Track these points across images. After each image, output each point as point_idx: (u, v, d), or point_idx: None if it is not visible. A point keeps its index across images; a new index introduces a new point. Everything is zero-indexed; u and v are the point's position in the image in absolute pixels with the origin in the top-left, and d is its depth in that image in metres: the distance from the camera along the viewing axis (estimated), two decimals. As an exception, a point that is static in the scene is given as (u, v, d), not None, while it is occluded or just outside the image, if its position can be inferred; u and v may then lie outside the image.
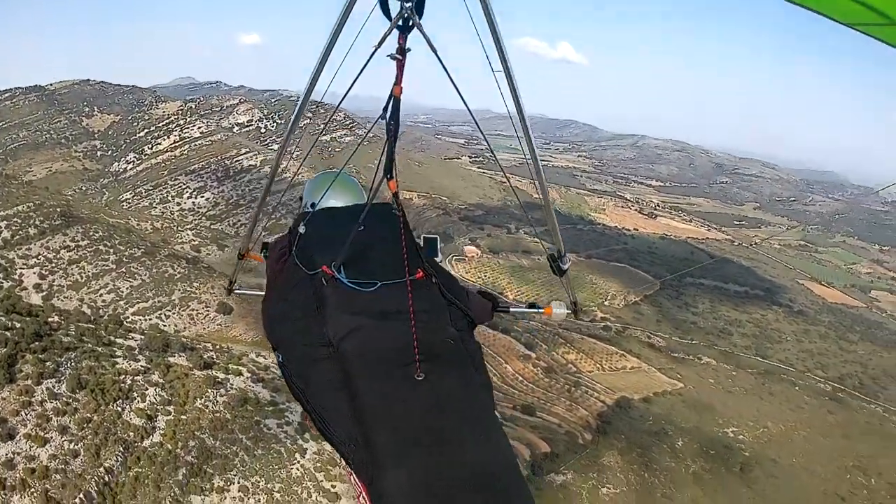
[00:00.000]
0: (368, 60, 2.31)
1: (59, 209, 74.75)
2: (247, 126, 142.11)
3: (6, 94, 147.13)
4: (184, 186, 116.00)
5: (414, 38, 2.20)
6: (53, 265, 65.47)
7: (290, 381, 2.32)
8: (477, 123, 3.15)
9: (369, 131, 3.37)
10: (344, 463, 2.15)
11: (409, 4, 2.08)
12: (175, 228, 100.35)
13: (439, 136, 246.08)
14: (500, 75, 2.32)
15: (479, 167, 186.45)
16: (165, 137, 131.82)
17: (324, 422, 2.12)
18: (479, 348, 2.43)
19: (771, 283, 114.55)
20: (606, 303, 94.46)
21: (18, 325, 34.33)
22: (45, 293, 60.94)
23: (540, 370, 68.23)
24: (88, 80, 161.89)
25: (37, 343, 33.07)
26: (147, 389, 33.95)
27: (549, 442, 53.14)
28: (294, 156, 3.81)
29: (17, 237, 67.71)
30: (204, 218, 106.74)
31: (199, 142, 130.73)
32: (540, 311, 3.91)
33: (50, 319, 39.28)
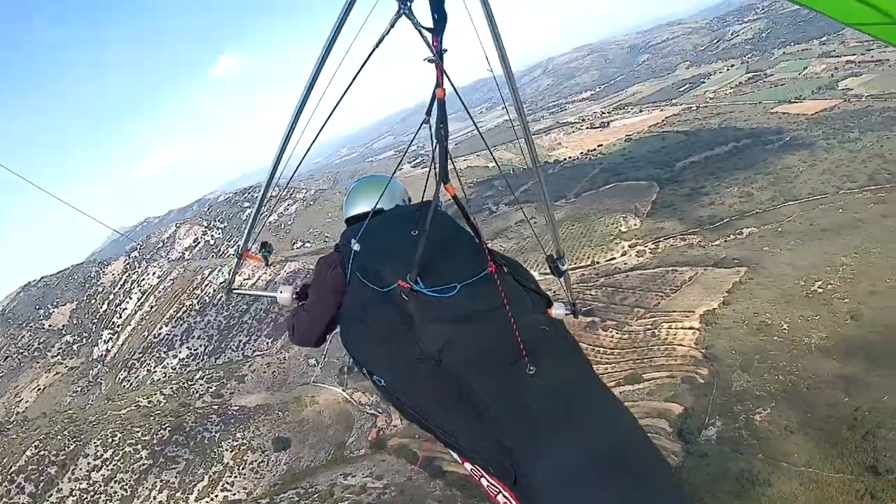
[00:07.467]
0: (368, 58, 2.37)
1: (66, 435, 71.98)
2: (195, 246, 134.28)
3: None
4: (173, 336, 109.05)
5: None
6: (92, 495, 64.21)
7: (400, 404, 2.30)
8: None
9: (416, 134, 3.07)
10: (479, 475, 2.12)
11: (410, 3, 2.09)
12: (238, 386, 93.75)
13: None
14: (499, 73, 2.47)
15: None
16: (128, 299, 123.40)
17: (449, 436, 2.11)
18: (564, 327, 2.43)
19: (752, 130, 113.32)
20: (624, 229, 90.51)
21: None
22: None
23: (612, 331, 64.91)
24: (28, 282, 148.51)
25: None
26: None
27: (676, 401, 49.34)
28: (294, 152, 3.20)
29: (42, 486, 65.36)
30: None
31: (161, 286, 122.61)
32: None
33: None
